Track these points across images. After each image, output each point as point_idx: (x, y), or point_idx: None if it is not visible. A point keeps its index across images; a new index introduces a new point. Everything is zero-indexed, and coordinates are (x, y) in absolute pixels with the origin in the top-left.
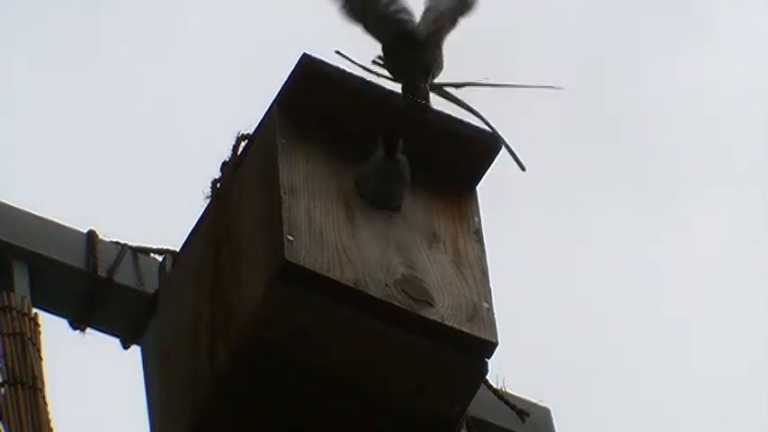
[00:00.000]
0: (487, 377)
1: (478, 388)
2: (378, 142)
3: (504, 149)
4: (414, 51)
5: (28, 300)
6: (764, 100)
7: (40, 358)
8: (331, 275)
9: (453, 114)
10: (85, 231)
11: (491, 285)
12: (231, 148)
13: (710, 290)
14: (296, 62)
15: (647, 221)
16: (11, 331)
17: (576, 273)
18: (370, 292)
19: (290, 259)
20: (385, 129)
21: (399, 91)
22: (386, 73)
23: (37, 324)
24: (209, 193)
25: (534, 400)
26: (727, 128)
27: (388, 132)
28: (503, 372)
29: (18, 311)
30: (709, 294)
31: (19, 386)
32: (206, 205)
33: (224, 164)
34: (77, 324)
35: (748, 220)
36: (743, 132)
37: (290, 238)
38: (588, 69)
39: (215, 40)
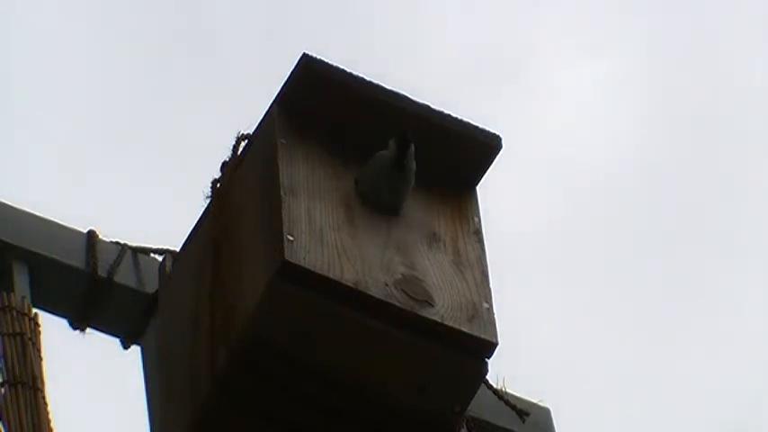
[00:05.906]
0: (487, 377)
1: (478, 388)
2: (389, 145)
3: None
4: None
5: (28, 300)
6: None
7: (40, 358)
8: (331, 275)
9: (453, 114)
10: (85, 231)
11: (491, 285)
12: (231, 148)
13: (708, 289)
14: (296, 62)
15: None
16: (11, 331)
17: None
18: (370, 293)
19: (289, 259)
20: (399, 132)
21: (399, 91)
22: None
23: (37, 324)
24: (210, 193)
25: (534, 400)
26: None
27: (402, 137)
28: (503, 372)
29: (18, 311)
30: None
31: (19, 386)
32: (206, 205)
33: (224, 164)
34: (77, 324)
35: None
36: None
37: (290, 238)
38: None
39: (215, 42)
